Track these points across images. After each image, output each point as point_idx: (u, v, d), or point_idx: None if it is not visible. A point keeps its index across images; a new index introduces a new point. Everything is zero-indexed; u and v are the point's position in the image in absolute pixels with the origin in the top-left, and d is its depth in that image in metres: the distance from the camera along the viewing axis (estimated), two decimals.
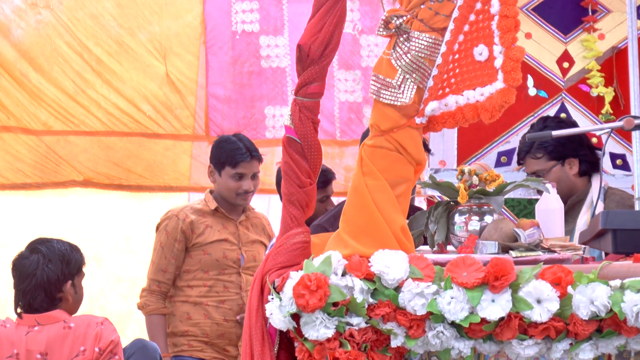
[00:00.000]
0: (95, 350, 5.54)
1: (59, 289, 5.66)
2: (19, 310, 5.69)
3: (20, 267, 5.70)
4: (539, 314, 3.83)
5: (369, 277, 3.87)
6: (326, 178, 7.16)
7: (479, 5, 4.10)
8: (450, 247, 4.51)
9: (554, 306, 3.83)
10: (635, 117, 5.18)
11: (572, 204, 6.09)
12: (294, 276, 3.89)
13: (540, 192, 5.29)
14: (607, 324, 3.85)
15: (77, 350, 5.55)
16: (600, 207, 5.97)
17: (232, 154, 6.97)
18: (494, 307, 3.83)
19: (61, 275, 5.66)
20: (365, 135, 5.75)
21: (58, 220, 8.59)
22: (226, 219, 7.03)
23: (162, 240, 7.05)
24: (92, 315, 5.80)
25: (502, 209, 4.68)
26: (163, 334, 6.85)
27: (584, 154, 6.30)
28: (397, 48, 4.08)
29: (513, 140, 7.01)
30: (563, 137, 6.06)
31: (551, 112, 7.02)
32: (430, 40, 4.07)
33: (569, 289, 3.84)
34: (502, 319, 3.85)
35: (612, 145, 6.92)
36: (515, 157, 6.98)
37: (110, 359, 5.54)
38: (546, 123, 6.30)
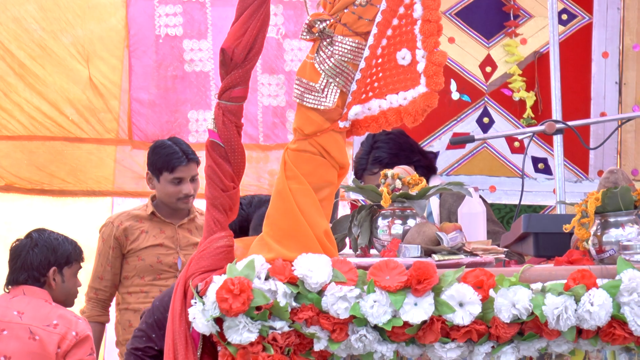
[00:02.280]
0: (72, 334, 5.65)
1: (42, 272, 5.90)
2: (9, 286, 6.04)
3: (13, 249, 6.04)
4: (461, 317, 3.84)
5: (292, 281, 3.87)
6: None
7: (402, 10, 4.10)
8: (373, 251, 4.51)
9: (476, 309, 3.84)
10: (557, 121, 5.24)
11: None
12: (217, 280, 3.87)
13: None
14: (529, 327, 3.87)
15: (51, 321, 5.71)
16: (435, 203, 6.01)
17: (168, 158, 6.95)
18: (417, 310, 3.84)
19: (44, 260, 5.90)
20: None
21: None
22: (164, 224, 7.01)
23: (99, 248, 7.08)
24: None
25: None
26: (97, 343, 6.81)
27: (417, 159, 6.32)
28: (321, 52, 4.08)
29: (436, 144, 7.05)
30: (394, 148, 6.10)
31: (474, 116, 7.07)
32: (354, 45, 4.07)
33: (491, 292, 3.85)
34: (424, 322, 3.85)
35: (534, 149, 6.97)
36: (439, 160, 7.01)
37: (82, 348, 5.59)
38: (376, 138, 6.30)
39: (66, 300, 5.97)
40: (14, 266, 6.02)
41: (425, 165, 6.35)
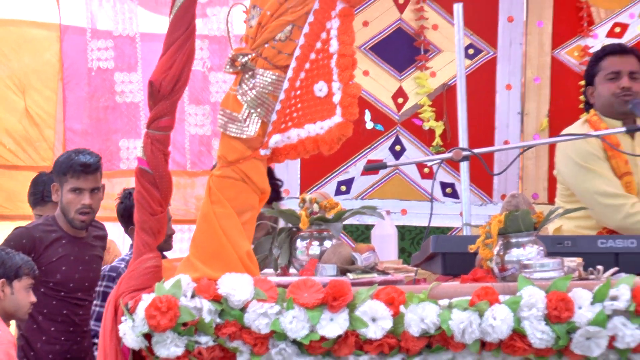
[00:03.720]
0: None
1: None
2: None
3: None
4: (374, 332, 3.85)
5: (217, 299, 3.87)
6: None
7: (319, 45, 4.12)
8: (292, 270, 4.52)
9: (388, 324, 3.86)
10: (463, 149, 5.26)
11: None
12: (146, 298, 3.86)
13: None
14: (436, 340, 3.89)
15: None
16: None
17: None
18: (333, 325, 3.85)
19: None
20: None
21: None
22: None
23: None
24: None
25: (341, 234, 4.71)
26: None
27: (272, 183, 6.30)
28: (243, 84, 4.09)
29: (351, 171, 7.08)
30: None
31: (387, 144, 7.11)
32: (274, 77, 4.08)
33: (402, 308, 3.87)
34: (339, 336, 3.86)
35: (442, 175, 7.02)
36: (354, 185, 7.04)
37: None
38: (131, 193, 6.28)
39: (16, 312, 5.76)
40: None
41: (276, 189, 6.34)
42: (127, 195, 6.61)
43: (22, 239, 6.41)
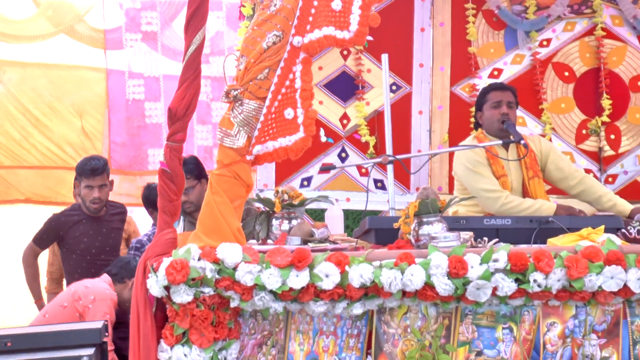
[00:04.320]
0: None
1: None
2: None
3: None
4: (327, 284, 3.82)
5: (216, 261, 3.83)
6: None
7: (287, 82, 4.09)
8: (269, 241, 4.49)
9: (337, 279, 3.82)
10: (389, 156, 5.24)
11: None
12: (166, 261, 3.83)
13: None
14: (371, 290, 3.86)
15: None
16: None
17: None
18: (298, 280, 3.81)
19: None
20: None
21: (3, 229, 8.50)
22: None
23: None
24: None
25: (304, 216, 4.67)
26: None
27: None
28: (234, 110, 4.06)
29: (311, 171, 7.03)
30: (200, 163, 6.04)
31: (336, 152, 7.07)
32: (256, 105, 4.04)
33: (347, 267, 3.84)
34: (303, 287, 3.82)
35: (375, 174, 6.99)
36: (312, 180, 7.00)
37: None
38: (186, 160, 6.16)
39: (125, 302, 5.62)
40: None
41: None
42: (147, 187, 6.58)
43: (52, 222, 6.48)
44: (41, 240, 6.49)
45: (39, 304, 6.49)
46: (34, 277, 6.53)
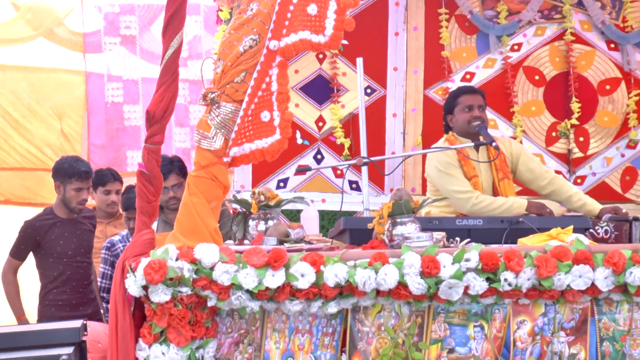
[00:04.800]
0: None
1: None
2: None
3: None
4: (303, 284, 3.82)
5: (193, 261, 3.82)
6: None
7: (264, 86, 4.09)
8: (246, 241, 4.49)
9: (312, 278, 3.83)
10: (364, 158, 5.25)
11: None
12: (144, 261, 3.81)
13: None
14: (346, 289, 3.87)
15: None
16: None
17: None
18: (274, 279, 3.81)
19: None
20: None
21: None
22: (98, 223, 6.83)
23: None
24: None
25: (280, 216, 4.67)
26: None
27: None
28: (212, 113, 4.05)
29: (287, 172, 7.03)
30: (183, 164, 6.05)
31: (312, 154, 7.06)
32: (233, 108, 4.04)
33: (322, 267, 3.84)
34: (279, 287, 3.83)
35: (350, 175, 7.00)
36: (289, 182, 7.00)
37: None
38: (172, 158, 6.13)
39: None
40: None
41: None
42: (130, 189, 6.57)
43: (27, 230, 6.35)
44: (18, 251, 6.34)
45: (22, 320, 6.40)
46: (15, 294, 6.38)
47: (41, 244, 6.30)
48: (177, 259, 3.83)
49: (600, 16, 7.33)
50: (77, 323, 4.18)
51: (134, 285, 3.82)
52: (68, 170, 6.30)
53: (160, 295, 3.81)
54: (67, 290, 6.30)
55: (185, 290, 3.82)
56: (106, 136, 8.70)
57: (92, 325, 4.80)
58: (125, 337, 3.84)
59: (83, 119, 8.69)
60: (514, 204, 5.35)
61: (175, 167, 5.96)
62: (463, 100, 5.81)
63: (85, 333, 4.22)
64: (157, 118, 4.01)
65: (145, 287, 3.82)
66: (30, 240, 6.31)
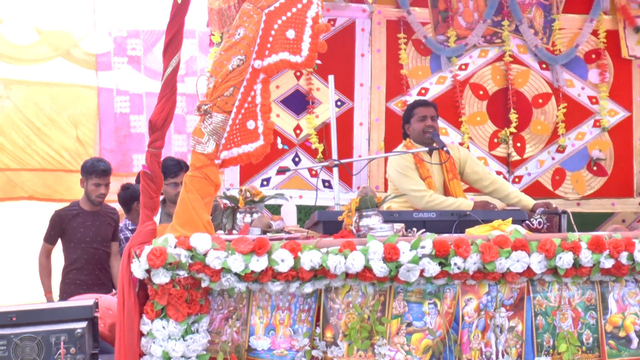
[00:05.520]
0: None
1: None
2: None
3: None
4: (283, 267, 3.80)
5: (189, 249, 3.79)
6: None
7: (249, 99, 4.07)
8: (234, 232, 4.46)
9: (291, 263, 3.81)
10: (335, 160, 5.23)
11: None
12: (147, 248, 3.78)
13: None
14: (320, 272, 3.85)
15: None
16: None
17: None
18: (258, 264, 3.79)
19: None
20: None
21: (10, 222, 8.43)
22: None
23: None
24: None
25: (263, 210, 4.64)
26: None
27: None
28: (205, 122, 4.02)
29: (270, 172, 6.99)
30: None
31: (290, 157, 7.04)
32: (223, 118, 4.01)
33: (299, 253, 3.82)
34: (262, 270, 3.80)
35: (323, 175, 6.97)
36: (271, 181, 6.97)
37: None
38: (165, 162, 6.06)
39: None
40: None
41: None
42: (125, 187, 6.56)
43: (55, 218, 6.38)
44: (49, 237, 6.37)
45: (48, 296, 6.43)
46: (47, 274, 6.42)
47: (65, 231, 6.33)
48: (175, 247, 3.80)
49: (533, 41, 7.35)
50: (89, 301, 4.15)
51: (138, 269, 3.78)
52: (89, 168, 6.37)
53: (161, 277, 3.77)
54: (84, 272, 6.31)
55: (183, 273, 3.79)
56: (115, 142, 8.67)
57: (104, 297, 4.79)
58: (130, 314, 3.80)
59: (95, 127, 8.64)
60: (462, 204, 5.35)
61: (183, 167, 6.05)
62: (418, 111, 5.80)
63: (97, 310, 4.19)
64: (159, 126, 3.99)
65: (148, 271, 3.79)
66: (57, 226, 6.34)
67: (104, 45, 8.72)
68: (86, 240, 6.33)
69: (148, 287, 3.85)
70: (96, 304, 4.20)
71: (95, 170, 6.34)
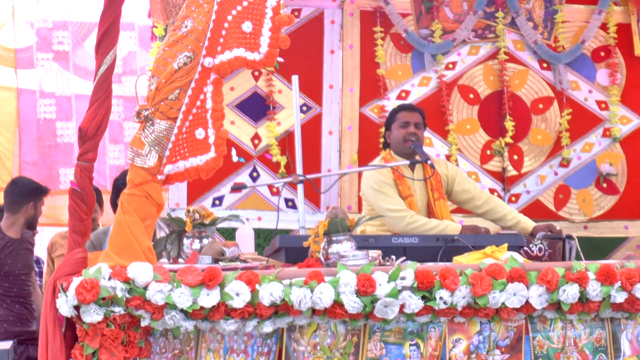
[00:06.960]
0: None
1: None
2: None
3: None
4: (238, 303, 3.80)
5: (127, 280, 3.78)
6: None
7: (198, 103, 4.08)
8: (180, 260, 4.46)
9: (247, 297, 3.80)
10: (300, 175, 5.25)
11: None
12: (76, 280, 3.76)
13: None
14: (281, 308, 3.85)
15: None
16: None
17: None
18: (209, 298, 3.78)
19: None
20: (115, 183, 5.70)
21: None
22: None
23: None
24: None
25: (215, 234, 4.64)
26: None
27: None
28: (146, 130, 4.03)
29: (222, 190, 7.00)
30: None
31: (247, 172, 7.06)
32: (167, 125, 4.02)
33: (257, 286, 3.82)
34: (213, 306, 3.80)
35: (286, 193, 6.99)
36: (224, 200, 6.97)
37: None
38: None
39: None
40: None
41: None
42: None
43: None
44: None
45: None
46: None
47: None
48: (109, 278, 3.78)
49: (532, 36, 7.43)
50: (7, 344, 4.13)
51: (65, 305, 3.76)
52: (42, 188, 6.72)
53: (92, 315, 3.75)
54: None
55: (118, 310, 3.77)
56: (38, 153, 8.62)
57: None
58: (55, 358, 3.78)
59: (14, 135, 8.59)
60: (448, 227, 5.37)
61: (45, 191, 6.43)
62: (400, 116, 5.85)
63: (15, 356, 4.16)
64: (90, 135, 3.98)
65: (76, 307, 3.76)
66: None
67: (24, 39, 8.68)
68: (14, 273, 6.36)
69: (77, 327, 3.82)
70: (14, 348, 4.18)
71: (44, 191, 6.57)
